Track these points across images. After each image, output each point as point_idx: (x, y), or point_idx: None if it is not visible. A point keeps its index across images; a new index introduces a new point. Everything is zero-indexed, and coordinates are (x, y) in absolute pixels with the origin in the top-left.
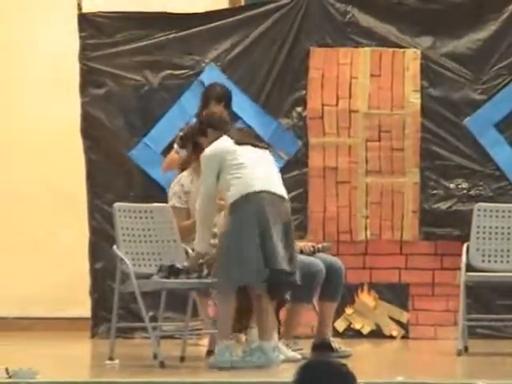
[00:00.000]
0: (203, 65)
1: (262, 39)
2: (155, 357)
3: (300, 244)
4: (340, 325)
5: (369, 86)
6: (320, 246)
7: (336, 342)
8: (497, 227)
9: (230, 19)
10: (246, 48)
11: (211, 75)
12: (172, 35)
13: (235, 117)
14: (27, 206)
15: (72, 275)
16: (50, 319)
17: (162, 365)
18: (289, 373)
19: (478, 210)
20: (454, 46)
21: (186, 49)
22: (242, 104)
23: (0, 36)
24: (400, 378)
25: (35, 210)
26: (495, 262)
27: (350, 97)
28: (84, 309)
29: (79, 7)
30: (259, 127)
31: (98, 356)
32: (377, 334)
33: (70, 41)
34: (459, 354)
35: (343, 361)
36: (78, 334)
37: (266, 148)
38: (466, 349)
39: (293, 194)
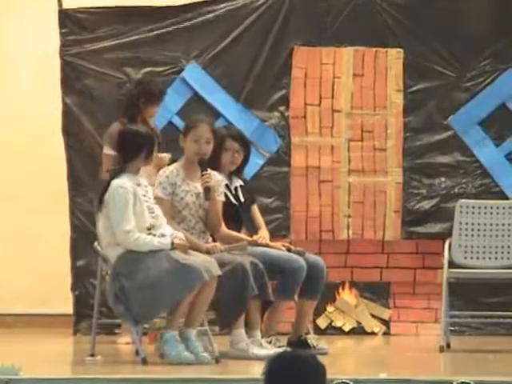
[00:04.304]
0: (184, 62)
1: (245, 36)
2: (137, 353)
3: (276, 244)
4: (321, 322)
5: (352, 85)
6: (294, 249)
7: (313, 339)
8: (479, 224)
9: (212, 15)
10: (228, 45)
11: (193, 72)
12: (154, 32)
13: (217, 114)
14: (9, 204)
15: (54, 272)
16: (32, 316)
17: (145, 361)
18: None
19: (461, 206)
20: (437, 45)
21: (168, 45)
22: (223, 101)
23: None
24: (383, 375)
25: (17, 207)
26: (477, 258)
27: (332, 96)
28: (66, 306)
29: (59, 3)
30: (241, 125)
31: (81, 352)
32: (358, 331)
33: (52, 38)
34: (441, 350)
35: (321, 358)
36: (61, 331)
37: None
38: (449, 345)
39: (275, 192)
